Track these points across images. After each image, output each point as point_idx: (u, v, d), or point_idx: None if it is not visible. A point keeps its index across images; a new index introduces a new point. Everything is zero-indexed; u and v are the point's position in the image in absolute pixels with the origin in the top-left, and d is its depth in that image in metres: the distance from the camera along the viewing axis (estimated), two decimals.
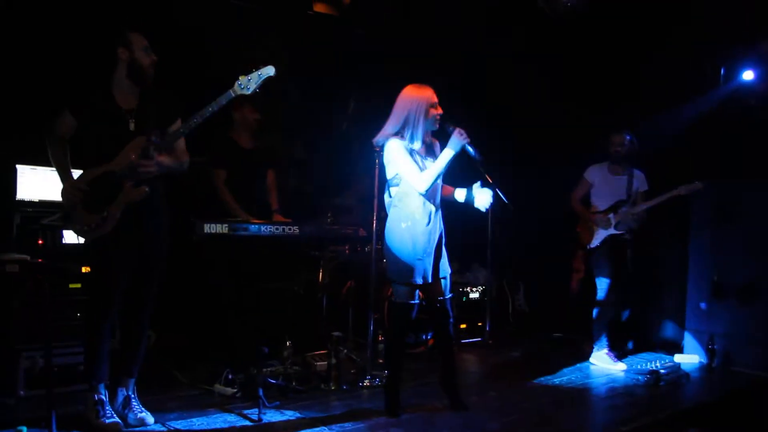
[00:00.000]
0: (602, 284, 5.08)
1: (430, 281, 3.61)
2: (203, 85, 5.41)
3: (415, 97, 3.60)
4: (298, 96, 6.36)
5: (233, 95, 3.21)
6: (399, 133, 3.60)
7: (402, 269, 3.57)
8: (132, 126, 3.22)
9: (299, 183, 6.34)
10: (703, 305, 5.42)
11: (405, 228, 3.56)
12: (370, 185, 4.44)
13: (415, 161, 3.60)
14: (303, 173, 6.43)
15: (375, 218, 4.36)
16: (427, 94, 3.61)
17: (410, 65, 6.54)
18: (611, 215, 5.11)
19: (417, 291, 3.66)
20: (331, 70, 6.33)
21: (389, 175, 3.70)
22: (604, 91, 6.14)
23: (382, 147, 3.71)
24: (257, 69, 3.22)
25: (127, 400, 3.34)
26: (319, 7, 6.09)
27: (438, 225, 3.69)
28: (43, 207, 4.01)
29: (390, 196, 3.72)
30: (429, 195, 3.61)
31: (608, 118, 5.93)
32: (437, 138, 3.82)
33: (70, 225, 3.22)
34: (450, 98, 3.95)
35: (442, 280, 3.71)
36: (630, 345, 5.66)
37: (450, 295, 3.75)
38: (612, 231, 5.10)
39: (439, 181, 3.73)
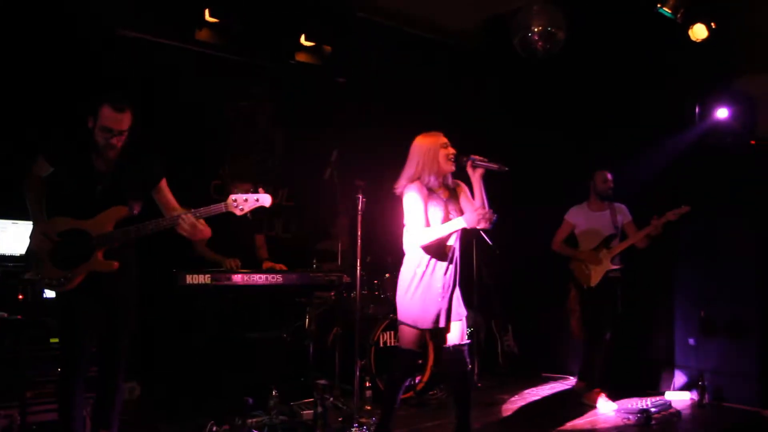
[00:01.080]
0: (597, 325, 5.06)
1: (441, 326, 3.57)
2: (191, 138, 5.57)
3: (424, 142, 3.65)
4: (282, 144, 6.45)
5: (224, 210, 3.21)
6: (417, 180, 3.59)
7: (412, 313, 3.54)
8: (100, 190, 3.19)
9: (284, 230, 6.38)
10: (691, 341, 5.41)
11: (419, 273, 3.54)
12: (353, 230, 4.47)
13: (435, 205, 3.57)
14: (287, 220, 6.46)
15: (359, 264, 4.35)
16: (436, 137, 3.65)
17: (392, 112, 6.69)
18: (603, 251, 5.11)
19: (423, 338, 3.59)
20: (315, 118, 6.43)
21: (406, 221, 3.64)
22: (584, 131, 6.24)
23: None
24: (255, 193, 3.24)
25: None
26: (301, 57, 6.21)
27: (453, 269, 3.62)
28: (24, 262, 3.98)
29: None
30: (444, 238, 3.55)
31: (588, 156, 6.03)
32: (461, 179, 3.78)
33: (32, 272, 3.15)
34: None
35: (457, 324, 3.62)
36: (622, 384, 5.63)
37: (467, 341, 3.64)
38: (609, 267, 5.08)
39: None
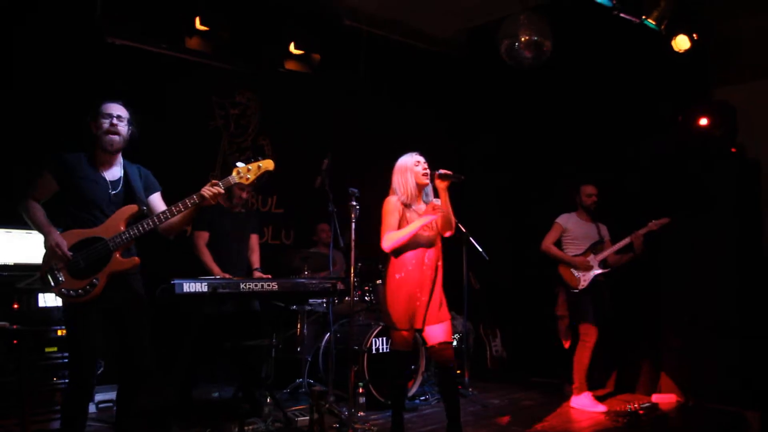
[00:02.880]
0: (585, 328, 5.16)
1: (418, 327, 3.83)
2: (181, 144, 5.58)
3: (399, 163, 3.98)
4: (271, 151, 6.47)
5: (231, 183, 3.30)
6: (394, 195, 3.94)
7: (395, 317, 3.84)
8: (109, 196, 3.25)
9: (273, 237, 6.39)
10: (676, 344, 5.52)
11: (398, 278, 3.84)
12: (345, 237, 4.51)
13: (409, 217, 3.87)
14: (277, 227, 6.48)
15: (352, 270, 4.40)
16: (409, 157, 3.97)
17: (382, 120, 6.76)
18: (591, 257, 5.23)
19: (414, 340, 3.84)
20: (305, 125, 6.47)
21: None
22: (567, 140, 6.37)
23: None
24: (257, 160, 3.31)
25: None
26: (290, 65, 6.24)
27: (431, 275, 3.87)
28: (18, 270, 3.97)
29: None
30: (423, 247, 3.85)
31: (573, 164, 6.17)
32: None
33: (52, 288, 3.13)
34: (429, 146, 4.15)
35: (441, 325, 3.84)
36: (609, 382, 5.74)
37: (448, 341, 3.85)
38: (597, 271, 5.21)
39: (438, 235, 3.95)
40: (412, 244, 3.83)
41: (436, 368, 4.01)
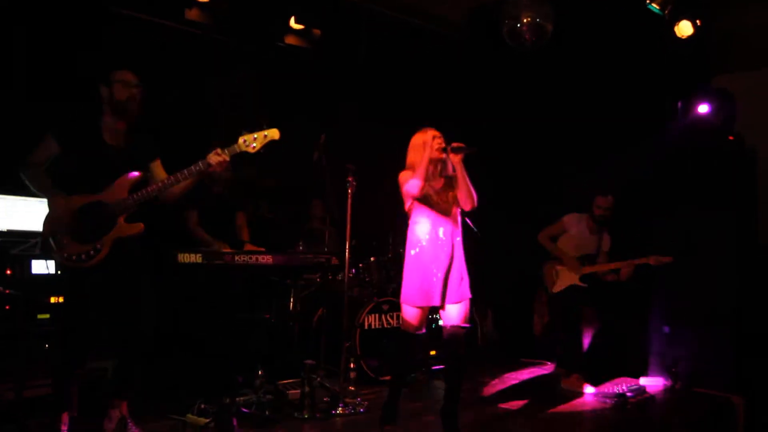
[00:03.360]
0: (578, 313, 5.20)
1: (434, 304, 3.69)
2: (177, 118, 5.54)
3: (415, 139, 3.88)
4: (270, 125, 6.43)
5: (237, 151, 3.25)
6: (410, 170, 3.83)
7: (407, 292, 3.74)
8: (112, 161, 3.23)
9: (271, 211, 6.38)
10: (666, 329, 5.56)
11: (414, 254, 3.75)
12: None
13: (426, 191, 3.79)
14: (274, 201, 6.47)
15: (348, 246, 4.40)
16: (425, 131, 3.86)
17: (381, 96, 6.72)
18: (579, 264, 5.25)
19: (424, 323, 3.76)
20: (303, 101, 6.42)
21: (405, 207, 3.88)
22: (567, 126, 6.35)
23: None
24: (262, 129, 3.28)
25: (123, 423, 3.29)
26: (290, 40, 6.19)
27: (449, 251, 3.72)
28: (12, 237, 3.96)
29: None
30: (439, 222, 3.74)
31: (571, 151, 6.16)
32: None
33: (53, 253, 3.13)
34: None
35: (458, 306, 3.72)
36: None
37: (467, 325, 3.74)
38: (575, 281, 5.23)
39: (455, 210, 3.83)
40: (427, 218, 3.74)
41: (445, 349, 3.86)
